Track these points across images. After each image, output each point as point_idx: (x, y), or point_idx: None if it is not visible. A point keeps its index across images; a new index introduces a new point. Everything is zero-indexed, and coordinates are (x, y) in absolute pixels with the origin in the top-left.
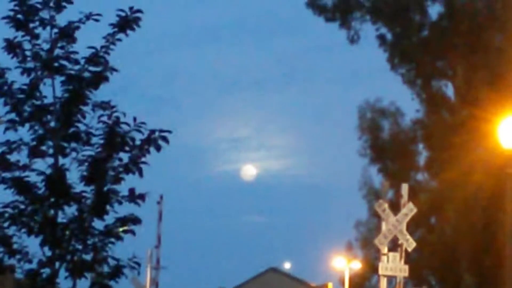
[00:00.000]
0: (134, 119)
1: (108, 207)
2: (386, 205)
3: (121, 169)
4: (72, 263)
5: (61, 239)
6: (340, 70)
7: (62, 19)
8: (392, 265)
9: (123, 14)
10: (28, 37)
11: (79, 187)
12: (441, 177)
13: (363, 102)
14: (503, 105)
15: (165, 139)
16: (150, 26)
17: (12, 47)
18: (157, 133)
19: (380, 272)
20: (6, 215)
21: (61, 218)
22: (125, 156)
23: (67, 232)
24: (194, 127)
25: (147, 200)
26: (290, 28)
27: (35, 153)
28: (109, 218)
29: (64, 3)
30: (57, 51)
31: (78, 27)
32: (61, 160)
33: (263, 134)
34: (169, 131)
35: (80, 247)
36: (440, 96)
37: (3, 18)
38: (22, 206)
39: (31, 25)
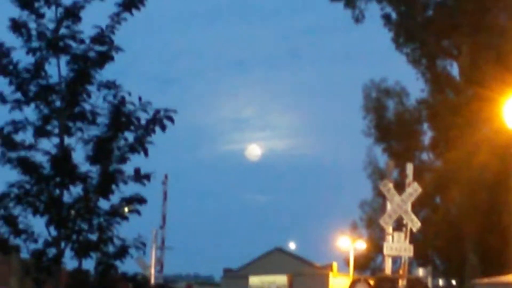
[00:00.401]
0: (140, 98)
1: (113, 186)
2: (391, 185)
3: (126, 149)
4: (78, 243)
5: (66, 219)
6: (345, 49)
7: None
8: (397, 245)
9: None
10: (33, 17)
11: (84, 167)
12: (446, 157)
13: (368, 82)
14: (508, 85)
15: (170, 118)
16: (155, 5)
17: (17, 26)
18: (162, 113)
19: (385, 251)
20: (12, 195)
21: (66, 198)
22: (130, 136)
23: (73, 212)
24: (199, 107)
25: (152, 180)
26: (295, 7)
27: (40, 132)
28: (115, 198)
29: None
30: (62, 31)
31: (83, 6)
32: (67, 140)
33: (268, 113)
34: (174, 111)
35: (85, 227)
36: (445, 76)
37: None
38: (28, 186)
39: (36, 4)
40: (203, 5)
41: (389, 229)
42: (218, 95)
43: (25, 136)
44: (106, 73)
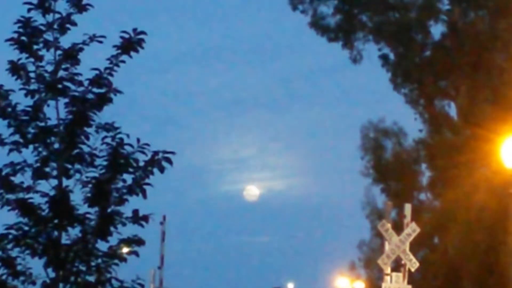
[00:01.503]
0: (138, 140)
1: (111, 228)
2: (389, 225)
3: (124, 191)
4: (76, 285)
5: (65, 260)
6: (343, 90)
7: (66, 41)
8: (396, 285)
9: (126, 36)
10: (32, 59)
11: (82, 209)
12: (444, 197)
13: (366, 122)
14: (506, 125)
15: (168, 160)
16: (153, 47)
17: (16, 69)
18: (160, 155)
19: None
20: (10, 236)
21: (64, 240)
22: (128, 178)
23: (71, 254)
24: (198, 148)
25: (150, 221)
26: (293, 49)
27: (39, 174)
28: (113, 240)
29: (68, 25)
30: (61, 73)
31: (82, 49)
32: (65, 182)
33: (267, 154)
34: (173, 152)
35: (84, 268)
36: (443, 116)
37: (7, 40)
38: (26, 228)
39: (35, 47)
40: (202, 46)
41: (388, 270)
42: (216, 136)
43: (24, 178)
44: (104, 114)
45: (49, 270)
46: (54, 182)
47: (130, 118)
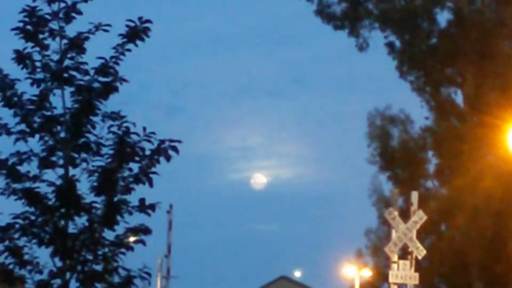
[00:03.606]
0: (144, 129)
1: (118, 217)
2: (396, 213)
3: (131, 179)
4: (83, 274)
5: (71, 249)
6: (350, 77)
7: (71, 30)
8: (403, 272)
9: (132, 24)
10: (37, 48)
11: (89, 198)
12: (451, 184)
13: (372, 110)
14: None
15: (175, 149)
16: (160, 35)
17: (21, 58)
18: (167, 143)
19: (391, 280)
20: (17, 226)
21: (71, 229)
22: (135, 166)
23: (78, 243)
24: (205, 136)
25: (157, 210)
26: (299, 37)
27: (45, 164)
28: (120, 228)
29: (73, 14)
30: (67, 62)
31: (87, 38)
32: (71, 171)
33: (274, 142)
34: (179, 141)
35: (90, 257)
36: (449, 103)
37: (13, 29)
38: (33, 217)
39: (41, 36)
40: (208, 35)
41: (395, 257)
42: (223, 124)
43: (30, 168)
44: (111, 102)
45: (56, 259)
46: (61, 171)
47: (136, 107)
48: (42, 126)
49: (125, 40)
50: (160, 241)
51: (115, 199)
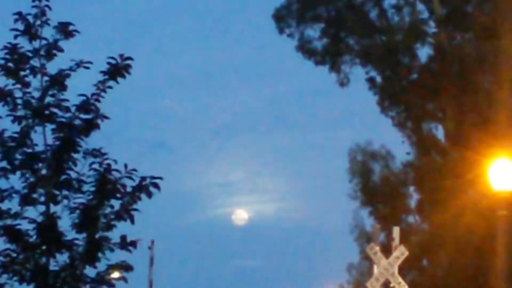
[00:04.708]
0: (125, 166)
1: (99, 254)
2: (377, 248)
3: (112, 216)
4: None
5: (53, 287)
6: (331, 113)
7: (52, 67)
8: None
9: (113, 61)
10: (19, 85)
11: (70, 235)
12: (432, 219)
13: (353, 145)
14: (493, 147)
15: (156, 185)
16: (142, 69)
17: (3, 95)
18: (148, 180)
19: None
20: None
21: (53, 266)
22: (116, 203)
23: (59, 280)
24: (186, 171)
25: (138, 246)
26: (281, 72)
27: (26, 201)
28: (101, 265)
29: (54, 51)
30: (48, 99)
31: (68, 75)
32: (53, 208)
33: (255, 178)
34: (160, 178)
35: None
36: (430, 139)
37: None
38: (14, 254)
39: (22, 73)
40: (188, 70)
41: None
42: (205, 159)
43: (11, 205)
44: (92, 138)
45: None
46: (42, 208)
47: (118, 143)
48: (24, 163)
49: (106, 77)
50: (142, 277)
51: (97, 236)
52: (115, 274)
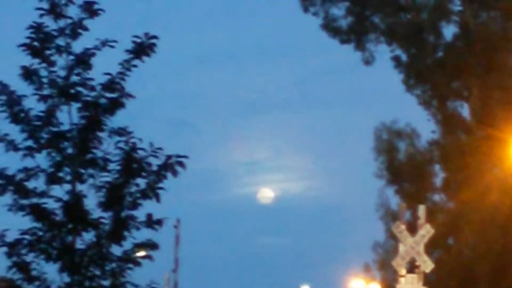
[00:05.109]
0: (151, 144)
1: (125, 232)
2: (403, 227)
3: (138, 195)
4: None
5: (79, 265)
6: (356, 91)
7: (78, 46)
8: (410, 286)
9: (138, 40)
10: (44, 64)
11: (96, 213)
12: (458, 198)
13: (379, 124)
14: None
15: (181, 164)
16: (167, 48)
17: (28, 74)
18: (173, 159)
19: None
20: (25, 241)
21: (79, 244)
22: (142, 182)
23: (85, 258)
24: (212, 150)
25: (164, 224)
26: (305, 50)
27: (52, 179)
28: (127, 244)
29: (80, 30)
30: (73, 78)
31: (94, 54)
32: (79, 186)
33: (281, 156)
34: (186, 156)
35: (98, 273)
36: (456, 117)
37: (20, 45)
38: (40, 233)
39: (47, 52)
40: (214, 48)
41: (402, 271)
42: (231, 138)
43: (37, 183)
44: (117, 117)
45: (64, 275)
46: (68, 187)
47: (144, 121)
48: (49, 142)
49: (131, 56)
50: (168, 256)
51: (123, 214)
52: (141, 253)
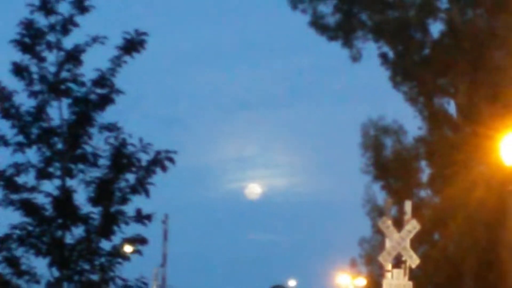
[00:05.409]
0: (140, 140)
1: (115, 227)
2: (389, 222)
3: (127, 190)
4: (80, 284)
5: (68, 259)
6: (343, 88)
7: (68, 42)
8: (397, 281)
9: (128, 36)
10: (35, 60)
11: (86, 208)
12: (444, 193)
13: (366, 120)
14: (505, 122)
15: (171, 159)
16: (157, 45)
17: (19, 70)
18: (163, 154)
19: None
20: (15, 236)
21: (68, 239)
22: (131, 177)
23: (75, 253)
24: (200, 147)
25: (153, 220)
26: (293, 48)
27: (42, 175)
28: (116, 239)
29: (70, 26)
30: (64, 74)
31: (84, 50)
32: (69, 182)
33: (269, 152)
34: (175, 152)
35: (87, 267)
36: (442, 114)
37: (11, 41)
38: (30, 228)
39: (38, 48)
40: (203, 45)
41: (388, 266)
42: (219, 134)
43: (27, 178)
44: (107, 113)
45: (53, 269)
46: (58, 182)
47: (133, 118)
48: (40, 138)
49: (121, 52)
50: (156, 251)
51: (112, 209)
52: (130, 248)
